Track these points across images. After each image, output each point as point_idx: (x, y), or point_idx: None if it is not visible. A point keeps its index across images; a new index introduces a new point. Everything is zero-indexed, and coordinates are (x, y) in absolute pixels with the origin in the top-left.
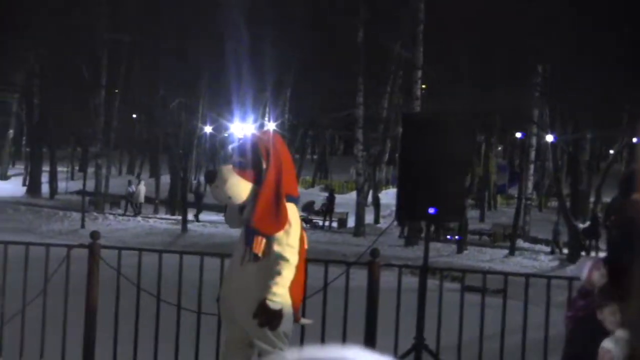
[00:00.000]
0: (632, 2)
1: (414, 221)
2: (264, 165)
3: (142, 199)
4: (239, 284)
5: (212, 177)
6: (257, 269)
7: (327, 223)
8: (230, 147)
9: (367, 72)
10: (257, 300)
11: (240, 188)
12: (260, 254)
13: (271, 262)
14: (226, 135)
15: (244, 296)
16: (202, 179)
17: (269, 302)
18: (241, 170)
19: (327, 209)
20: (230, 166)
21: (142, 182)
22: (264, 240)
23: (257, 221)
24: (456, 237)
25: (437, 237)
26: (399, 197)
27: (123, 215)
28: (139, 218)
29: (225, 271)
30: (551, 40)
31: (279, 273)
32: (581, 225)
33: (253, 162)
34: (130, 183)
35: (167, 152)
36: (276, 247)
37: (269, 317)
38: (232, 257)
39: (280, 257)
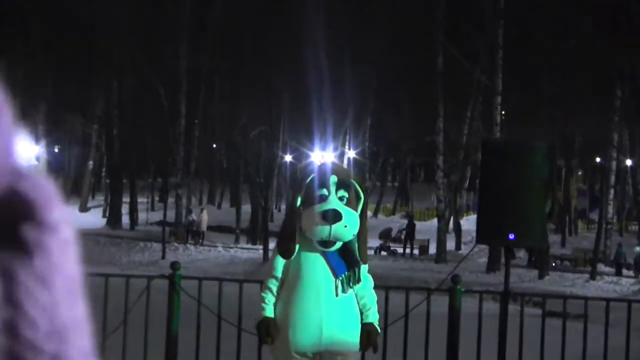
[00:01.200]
0: None
1: (493, 246)
2: (363, 197)
3: (204, 227)
4: (340, 315)
5: (340, 217)
6: (353, 297)
7: (408, 250)
8: (308, 179)
9: (447, 98)
10: (358, 327)
11: (356, 223)
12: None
13: (363, 288)
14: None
15: (351, 326)
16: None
17: (377, 326)
18: (347, 205)
19: (407, 236)
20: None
21: (204, 211)
22: (364, 268)
23: (363, 252)
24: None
25: (541, 265)
26: (479, 222)
27: (185, 244)
28: (219, 247)
29: (297, 310)
30: (633, 61)
31: (374, 296)
32: None
33: (357, 195)
34: (190, 211)
35: (248, 181)
36: (366, 273)
37: (376, 341)
38: (300, 289)
39: (371, 282)
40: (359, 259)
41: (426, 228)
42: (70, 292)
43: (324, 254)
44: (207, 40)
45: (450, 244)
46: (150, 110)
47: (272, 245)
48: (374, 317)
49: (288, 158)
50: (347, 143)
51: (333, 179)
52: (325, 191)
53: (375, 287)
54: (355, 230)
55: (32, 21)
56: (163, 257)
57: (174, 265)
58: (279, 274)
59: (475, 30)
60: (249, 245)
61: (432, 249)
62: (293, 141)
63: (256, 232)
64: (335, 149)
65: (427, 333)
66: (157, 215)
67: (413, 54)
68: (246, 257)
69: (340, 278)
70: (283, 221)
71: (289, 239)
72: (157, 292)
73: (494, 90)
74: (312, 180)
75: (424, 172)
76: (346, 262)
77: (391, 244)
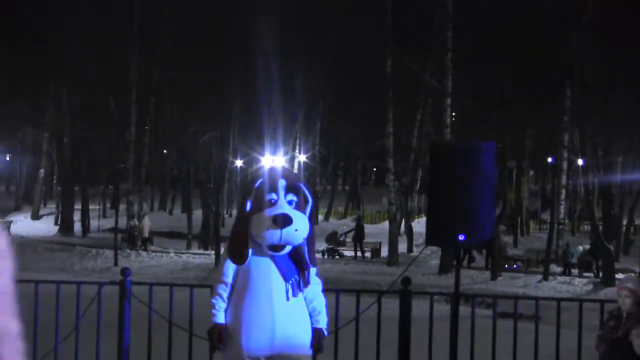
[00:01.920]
0: None
1: (443, 247)
2: (310, 201)
3: (146, 233)
4: (291, 318)
5: (290, 221)
6: (302, 300)
7: (359, 253)
8: (257, 184)
9: (397, 101)
10: (310, 330)
11: (306, 227)
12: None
13: (313, 291)
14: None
15: (302, 329)
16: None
17: (324, 329)
18: (296, 208)
19: (356, 239)
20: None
21: (146, 217)
22: (313, 271)
23: (312, 255)
24: (514, 266)
25: (494, 267)
26: (429, 224)
27: (130, 250)
28: (171, 253)
29: (249, 315)
30: (582, 64)
31: (323, 299)
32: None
33: (305, 199)
34: (133, 217)
35: (199, 187)
36: (315, 276)
37: (322, 344)
38: (250, 294)
39: (319, 284)
40: (308, 262)
41: (378, 231)
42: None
43: (274, 258)
44: (156, 48)
45: (402, 247)
46: (101, 118)
47: (224, 250)
48: (323, 322)
49: (239, 163)
50: (297, 147)
51: (282, 182)
52: (274, 195)
53: (327, 290)
54: (305, 234)
55: None
56: (115, 263)
57: (124, 272)
58: (229, 279)
59: (425, 33)
60: (201, 251)
61: (384, 252)
62: (244, 146)
63: (208, 238)
64: (286, 153)
65: (378, 335)
66: (109, 222)
67: (363, 58)
68: (198, 263)
69: (291, 282)
70: (233, 226)
71: (241, 245)
72: (108, 298)
73: (444, 92)
74: (261, 184)
75: (374, 175)
76: (296, 265)
77: (339, 248)
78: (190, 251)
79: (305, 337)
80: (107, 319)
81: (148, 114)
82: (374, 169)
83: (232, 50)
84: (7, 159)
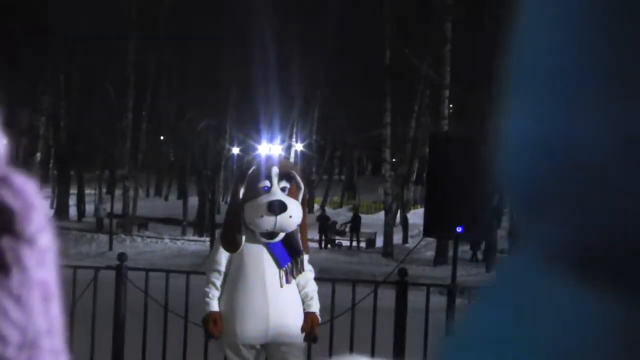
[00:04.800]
0: None
1: (441, 239)
2: (302, 187)
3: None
4: (285, 305)
5: (285, 207)
6: (295, 287)
7: (354, 243)
8: (250, 171)
9: (395, 92)
10: (302, 317)
11: (300, 213)
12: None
13: (305, 278)
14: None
15: (296, 315)
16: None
17: (317, 313)
18: (288, 195)
19: (353, 229)
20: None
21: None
22: (305, 258)
23: (304, 241)
24: None
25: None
26: (427, 215)
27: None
28: (166, 239)
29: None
30: None
31: (315, 286)
32: None
33: (297, 185)
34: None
35: (195, 174)
36: (307, 262)
37: (316, 331)
38: (244, 282)
39: (312, 272)
40: (301, 248)
41: (373, 221)
42: (46, 299)
43: (267, 245)
44: (154, 34)
45: (397, 238)
46: (98, 103)
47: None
48: (316, 307)
49: (235, 150)
50: (294, 136)
51: (275, 170)
52: (267, 182)
53: (322, 280)
54: (299, 221)
55: None
56: (110, 248)
57: (121, 257)
58: (222, 267)
59: (423, 24)
60: (196, 237)
61: (379, 242)
62: (240, 133)
63: (203, 225)
64: (283, 141)
65: (373, 326)
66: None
67: (361, 48)
68: (193, 249)
69: (284, 268)
70: (226, 214)
71: (234, 232)
72: (104, 283)
73: (442, 83)
74: (254, 171)
75: (371, 165)
76: (289, 252)
77: (336, 237)
78: (185, 237)
79: (298, 324)
80: (102, 304)
81: (145, 100)
82: (370, 159)
83: (229, 37)
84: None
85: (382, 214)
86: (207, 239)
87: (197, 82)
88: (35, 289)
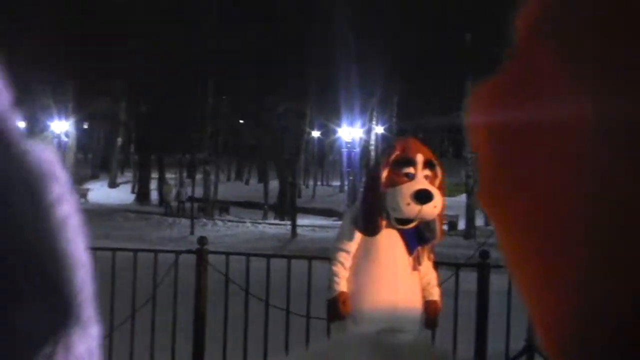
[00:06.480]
0: None
1: None
2: (439, 176)
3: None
4: (411, 291)
5: (431, 197)
6: (418, 274)
7: None
8: (393, 157)
9: (474, 74)
10: (422, 305)
11: (441, 204)
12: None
13: (426, 265)
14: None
15: (419, 301)
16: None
17: (439, 302)
18: (430, 183)
19: None
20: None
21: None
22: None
23: (440, 229)
24: None
25: None
26: None
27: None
28: (247, 223)
29: (372, 285)
30: None
31: (434, 273)
32: None
33: (437, 173)
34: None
35: (275, 157)
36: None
37: (437, 318)
38: (375, 266)
39: (431, 259)
40: (437, 234)
41: (455, 204)
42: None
43: (400, 231)
44: (234, 19)
45: (480, 220)
46: (179, 87)
47: (300, 221)
48: (437, 294)
49: (315, 134)
50: (374, 119)
51: (419, 157)
52: (412, 169)
53: None
54: (439, 211)
55: None
56: (192, 232)
57: (201, 240)
58: (352, 248)
59: (504, 8)
60: (277, 221)
61: (462, 225)
62: (321, 117)
63: (284, 208)
64: (363, 125)
65: (455, 308)
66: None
67: (440, 31)
68: (274, 233)
69: (414, 254)
70: (364, 197)
71: (377, 217)
72: (185, 267)
73: None
74: (398, 157)
75: (452, 148)
76: (420, 238)
77: None
78: (266, 221)
79: (420, 310)
80: (183, 287)
81: (225, 85)
82: (452, 142)
83: (309, 24)
84: (85, 127)
85: (463, 196)
86: (288, 222)
87: (277, 66)
88: None
